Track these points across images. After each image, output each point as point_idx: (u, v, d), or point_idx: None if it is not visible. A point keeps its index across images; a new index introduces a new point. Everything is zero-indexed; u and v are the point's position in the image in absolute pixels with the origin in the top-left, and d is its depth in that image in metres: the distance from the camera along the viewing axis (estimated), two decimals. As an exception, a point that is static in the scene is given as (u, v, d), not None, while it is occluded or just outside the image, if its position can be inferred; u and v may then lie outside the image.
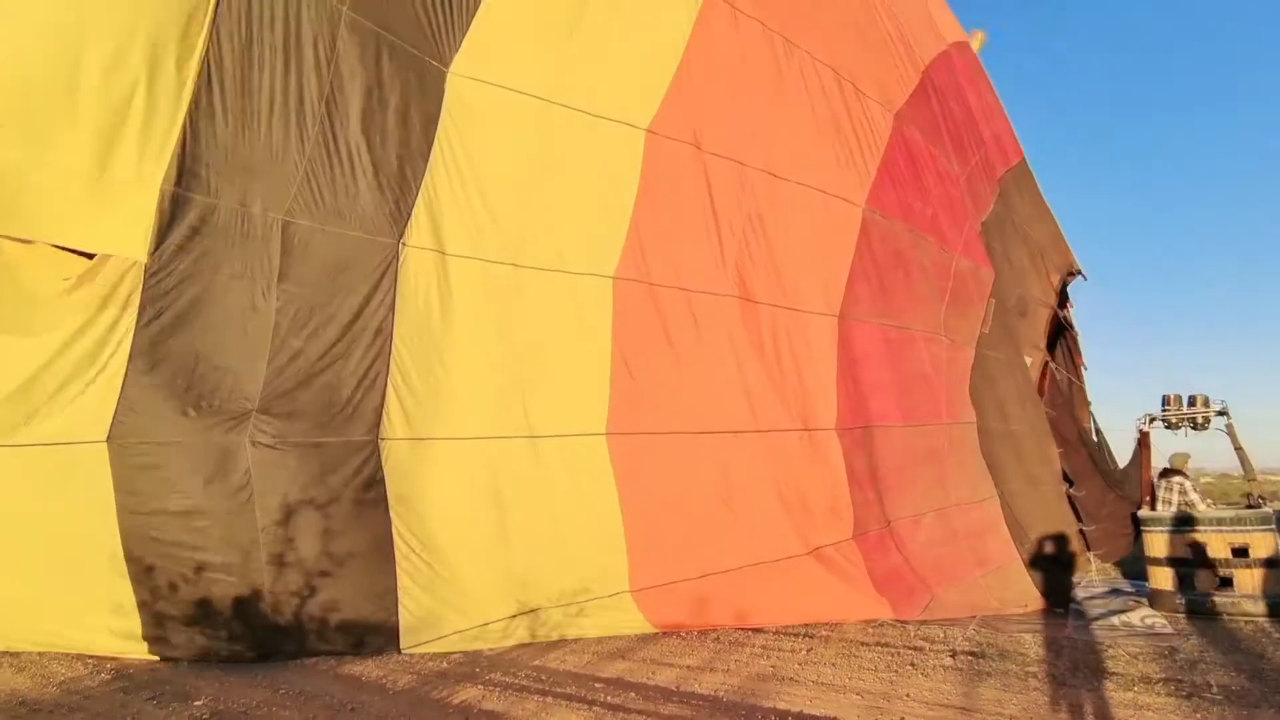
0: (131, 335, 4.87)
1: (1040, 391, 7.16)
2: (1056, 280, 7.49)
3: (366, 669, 5.31)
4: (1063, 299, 7.58)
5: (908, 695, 4.65)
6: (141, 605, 5.18)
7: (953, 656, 5.40)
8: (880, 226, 5.92)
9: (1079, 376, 7.68)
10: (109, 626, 5.26)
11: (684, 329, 5.62)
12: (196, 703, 4.73)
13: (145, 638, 5.30)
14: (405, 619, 5.46)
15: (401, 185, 5.35)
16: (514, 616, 5.62)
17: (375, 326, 5.28)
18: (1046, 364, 7.35)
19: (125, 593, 5.14)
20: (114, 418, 4.88)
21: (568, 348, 5.59)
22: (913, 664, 5.26)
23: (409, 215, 5.34)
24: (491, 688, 4.89)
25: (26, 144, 4.56)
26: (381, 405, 5.28)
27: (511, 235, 5.49)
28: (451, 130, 5.41)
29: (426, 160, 5.36)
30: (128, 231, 4.83)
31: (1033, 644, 5.75)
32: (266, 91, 5.05)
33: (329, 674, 5.25)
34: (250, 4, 4.96)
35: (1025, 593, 6.52)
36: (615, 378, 5.56)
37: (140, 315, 4.86)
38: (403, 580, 5.40)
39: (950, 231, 6.29)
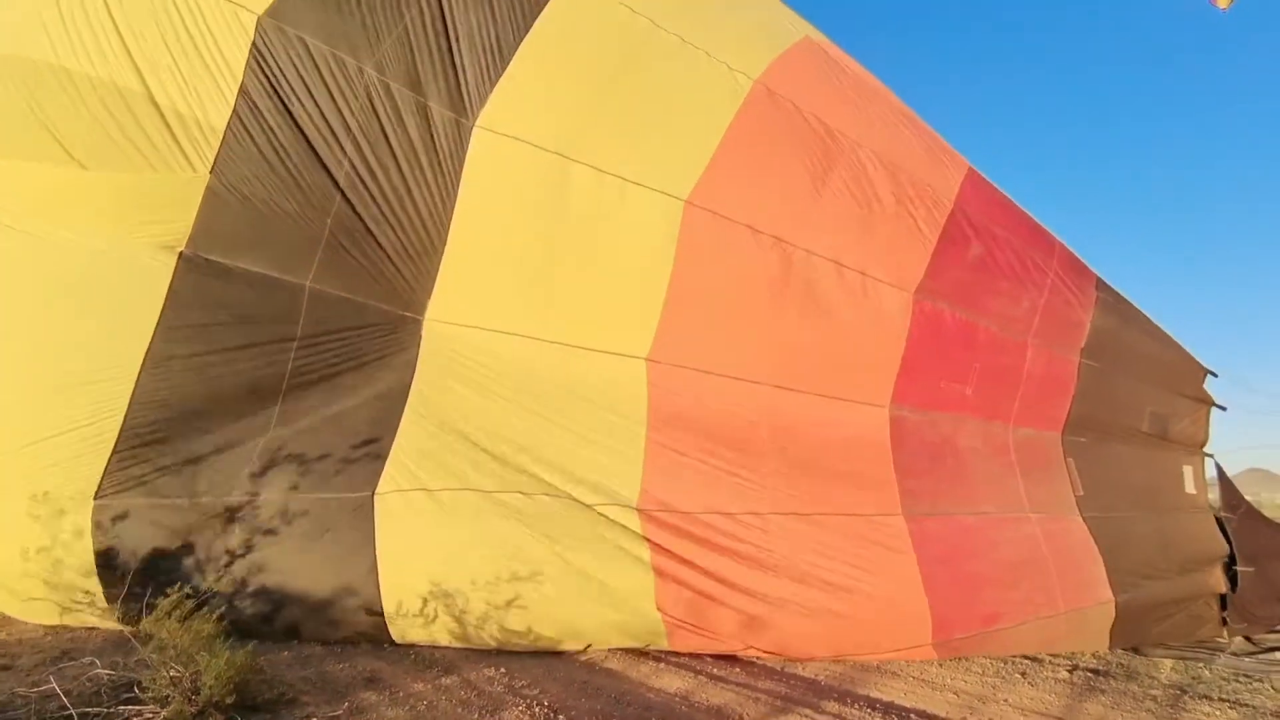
0: None
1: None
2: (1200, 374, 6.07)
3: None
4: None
5: (1005, 700, 4.72)
6: None
7: (1070, 671, 5.32)
8: (911, 422, 5.35)
9: None
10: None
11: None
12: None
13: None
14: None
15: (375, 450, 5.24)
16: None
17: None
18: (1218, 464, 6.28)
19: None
20: None
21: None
22: (1023, 673, 5.25)
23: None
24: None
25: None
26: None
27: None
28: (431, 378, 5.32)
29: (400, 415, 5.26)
30: None
31: (1171, 668, 5.49)
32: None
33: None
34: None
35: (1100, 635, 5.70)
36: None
37: None
38: None
39: (1000, 402, 5.47)
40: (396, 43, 5.32)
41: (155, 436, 5.22)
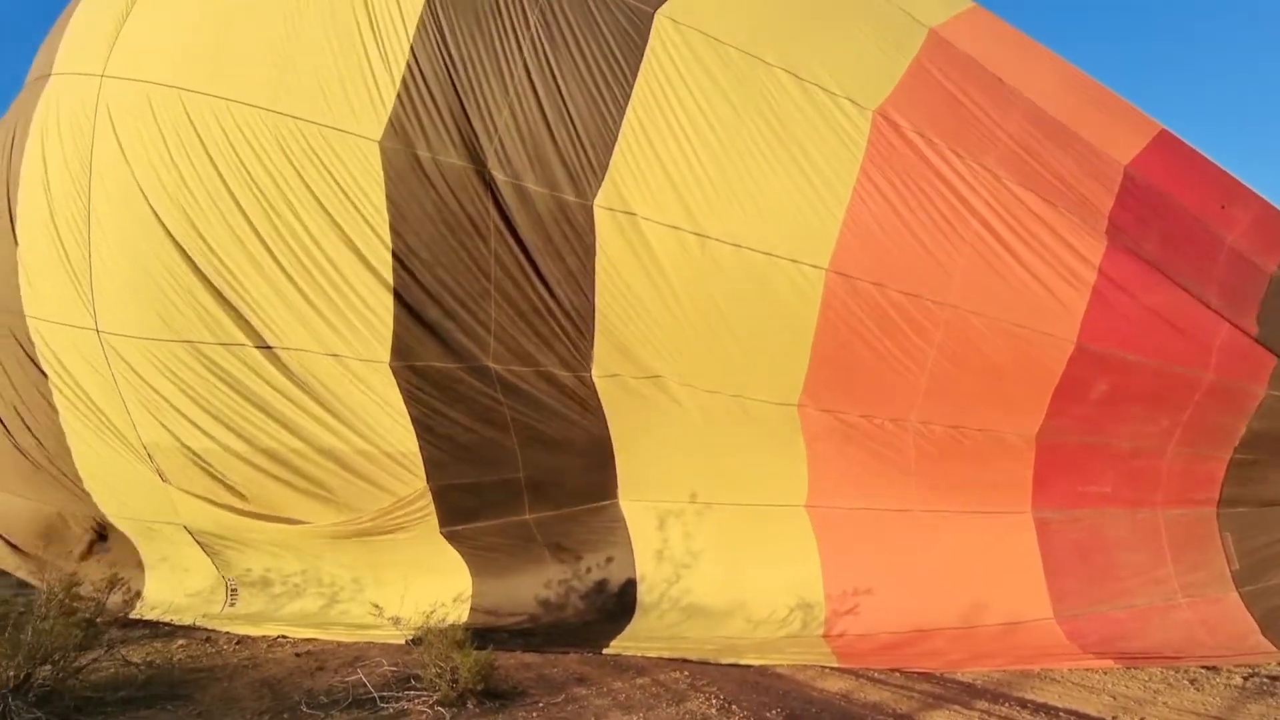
0: None
1: None
2: None
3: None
4: None
5: (1166, 704, 4.89)
6: None
7: (1246, 679, 5.30)
8: (1056, 522, 5.46)
9: None
10: None
11: None
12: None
13: None
14: None
15: None
16: None
17: None
18: None
19: None
20: None
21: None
22: (1193, 680, 5.31)
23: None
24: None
25: None
26: None
27: None
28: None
29: None
30: None
31: (1369, 677, 5.28)
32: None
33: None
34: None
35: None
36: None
37: None
38: None
39: (1144, 492, 5.34)
40: (499, 296, 5.98)
41: None
